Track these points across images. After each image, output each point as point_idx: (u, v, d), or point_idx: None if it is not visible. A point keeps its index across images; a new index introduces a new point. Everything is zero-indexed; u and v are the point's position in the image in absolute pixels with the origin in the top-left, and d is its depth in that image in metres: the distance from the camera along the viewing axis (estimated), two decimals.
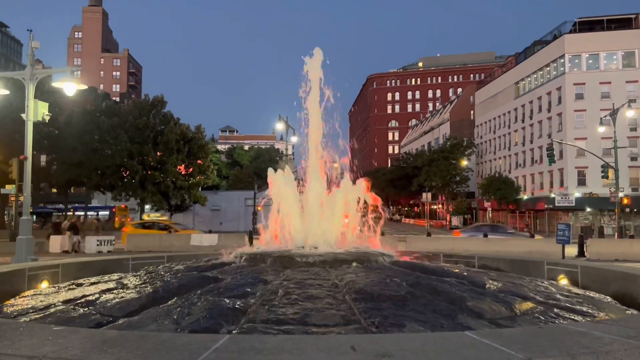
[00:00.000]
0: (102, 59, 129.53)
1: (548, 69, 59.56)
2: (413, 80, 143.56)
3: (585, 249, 24.00)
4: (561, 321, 5.07)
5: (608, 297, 6.85)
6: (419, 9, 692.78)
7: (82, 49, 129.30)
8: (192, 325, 4.62)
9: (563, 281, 8.27)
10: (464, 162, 71.43)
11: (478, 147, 78.47)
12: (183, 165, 47.10)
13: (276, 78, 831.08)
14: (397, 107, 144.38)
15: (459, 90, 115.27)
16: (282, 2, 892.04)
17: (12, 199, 34.27)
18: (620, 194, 35.31)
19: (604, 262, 18.82)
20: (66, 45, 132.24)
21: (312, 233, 8.98)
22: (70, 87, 17.35)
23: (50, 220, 46.78)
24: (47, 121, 18.47)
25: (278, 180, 9.65)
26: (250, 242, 24.13)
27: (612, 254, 22.72)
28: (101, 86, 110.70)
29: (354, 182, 9.71)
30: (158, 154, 45.65)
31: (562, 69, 56.41)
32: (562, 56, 56.07)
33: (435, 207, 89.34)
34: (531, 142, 62.45)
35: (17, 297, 6.86)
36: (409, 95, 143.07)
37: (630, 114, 43.91)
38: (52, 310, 5.65)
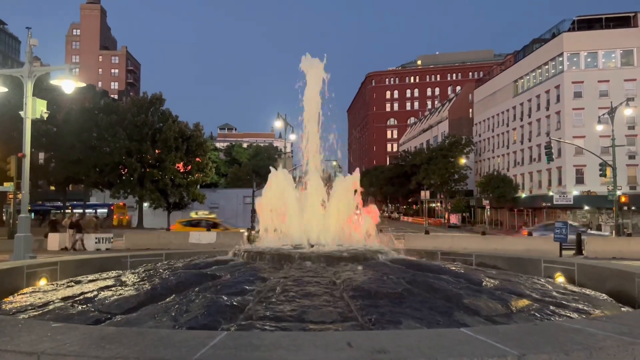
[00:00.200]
0: (100, 57, 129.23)
1: (546, 67, 59.56)
2: (412, 78, 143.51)
3: (582, 247, 24.08)
4: (556, 318, 5.10)
5: (604, 294, 6.87)
6: (418, 7, 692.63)
7: (81, 47, 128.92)
8: (190, 322, 4.63)
9: (560, 279, 8.29)
10: (463, 160, 71.55)
11: (476, 145, 78.51)
12: (181, 163, 47.08)
13: (275, 76, 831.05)
14: (395, 105, 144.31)
15: (458, 88, 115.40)
16: (282, 1, 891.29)
17: (11, 196, 34.31)
18: (618, 192, 35.38)
19: (602, 259, 18.86)
20: (64, 43, 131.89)
21: (310, 231, 9.02)
22: (68, 84, 17.31)
23: (49, 218, 46.72)
24: (45, 119, 18.43)
25: (277, 178, 9.67)
26: (249, 240, 24.14)
27: (610, 252, 22.77)
28: (99, 84, 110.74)
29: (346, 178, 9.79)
30: (156, 151, 45.62)
31: (560, 67, 56.43)
32: (561, 54, 56.10)
33: (433, 205, 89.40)
34: (529, 140, 62.47)
35: (16, 294, 6.87)
36: (408, 93, 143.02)
37: (628, 112, 43.97)
38: (50, 307, 5.67)
